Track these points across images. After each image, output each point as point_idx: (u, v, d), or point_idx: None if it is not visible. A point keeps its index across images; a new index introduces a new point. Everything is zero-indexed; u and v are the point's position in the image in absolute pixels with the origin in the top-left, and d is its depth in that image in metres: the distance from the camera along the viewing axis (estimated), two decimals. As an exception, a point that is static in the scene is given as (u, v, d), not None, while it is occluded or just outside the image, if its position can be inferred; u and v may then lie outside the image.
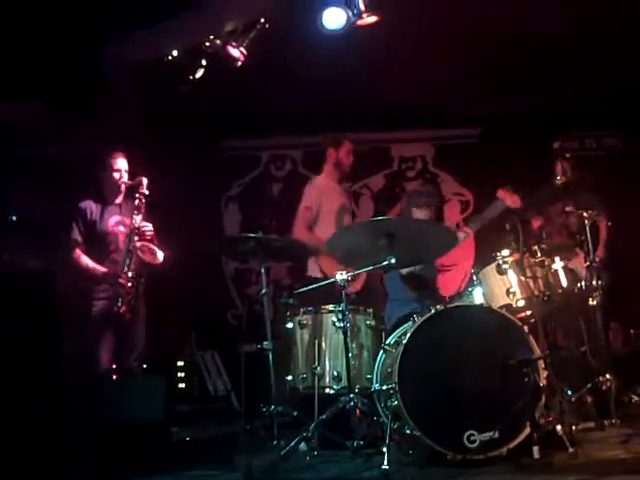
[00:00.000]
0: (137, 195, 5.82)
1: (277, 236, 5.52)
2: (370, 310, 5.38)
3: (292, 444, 4.65)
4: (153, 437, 4.85)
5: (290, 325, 5.43)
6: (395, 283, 5.78)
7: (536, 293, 5.03)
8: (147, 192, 5.82)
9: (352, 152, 6.61)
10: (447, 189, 9.23)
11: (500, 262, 5.08)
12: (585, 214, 5.57)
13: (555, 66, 7.56)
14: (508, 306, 5.00)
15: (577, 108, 8.33)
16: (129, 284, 5.61)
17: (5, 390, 3.95)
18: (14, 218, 6.98)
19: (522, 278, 5.07)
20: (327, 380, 5.17)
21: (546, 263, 5.15)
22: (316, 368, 5.15)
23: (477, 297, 5.13)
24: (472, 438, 4.24)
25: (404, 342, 4.51)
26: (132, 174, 5.93)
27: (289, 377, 5.31)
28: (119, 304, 5.57)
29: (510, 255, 5.11)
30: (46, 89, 6.87)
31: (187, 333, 8.01)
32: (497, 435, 4.23)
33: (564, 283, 5.28)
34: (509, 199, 5.57)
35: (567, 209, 5.88)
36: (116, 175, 5.87)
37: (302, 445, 4.80)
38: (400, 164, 9.40)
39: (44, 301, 4.11)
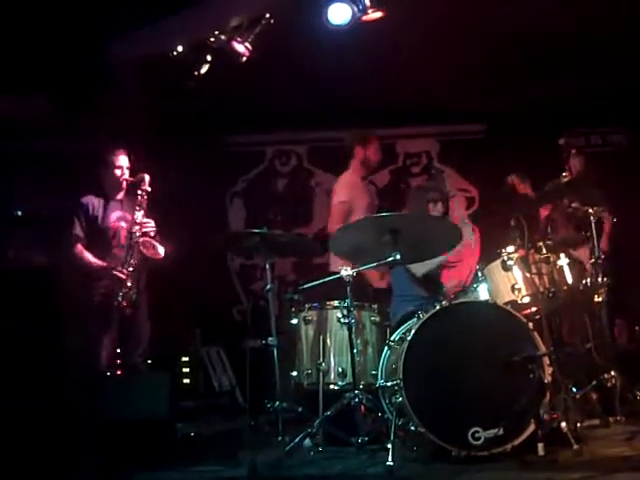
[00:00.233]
0: (139, 191, 5.85)
1: (282, 232, 5.51)
2: (375, 306, 5.38)
3: (297, 440, 4.65)
4: (158, 432, 4.86)
5: (295, 321, 5.43)
6: (400, 279, 5.77)
7: (541, 289, 5.02)
8: (149, 189, 5.85)
9: (379, 149, 6.63)
10: (452, 185, 9.20)
11: (505, 258, 5.06)
12: (591, 210, 5.56)
13: (560, 63, 7.54)
14: (513, 302, 4.99)
15: (582, 104, 8.31)
16: (130, 279, 5.63)
17: (9, 386, 3.95)
18: (20, 213, 6.98)
19: (527, 274, 5.06)
20: (332, 376, 5.18)
21: (551, 259, 5.14)
22: (321, 364, 5.15)
23: (482, 293, 5.12)
24: (477, 435, 4.23)
25: (409, 338, 4.51)
26: (134, 171, 5.96)
27: (294, 373, 5.32)
28: (120, 299, 5.60)
29: (515, 251, 5.10)
30: (50, 84, 6.86)
31: (192, 329, 8.01)
32: (502, 432, 4.23)
33: (569, 280, 5.27)
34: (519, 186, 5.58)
35: (573, 205, 5.86)
36: (117, 172, 5.91)
37: (307, 441, 4.79)
38: (405, 160, 9.39)
39: (48, 297, 4.11)
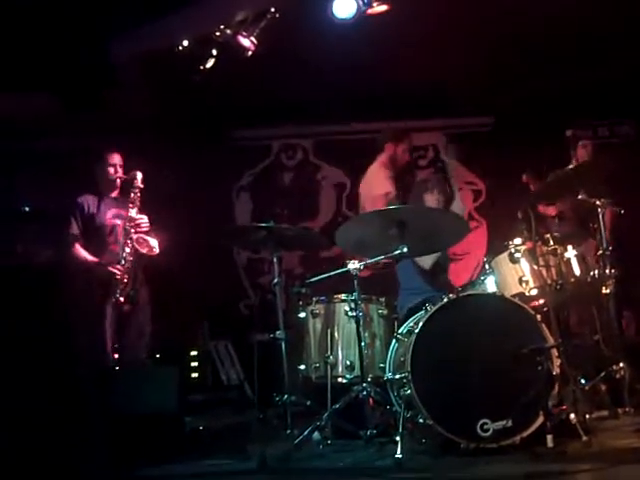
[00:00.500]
0: (132, 189, 5.94)
1: (288, 225, 5.52)
2: (382, 299, 5.39)
3: (305, 433, 4.66)
4: (166, 426, 4.88)
5: (303, 314, 5.44)
6: (407, 272, 5.76)
7: (549, 282, 5.00)
8: (141, 186, 5.95)
9: (410, 151, 6.65)
10: (459, 178, 9.19)
11: (512, 250, 5.06)
12: (598, 202, 5.55)
13: (567, 54, 7.51)
14: (521, 295, 4.98)
15: (589, 96, 8.27)
16: (125, 276, 5.70)
17: (18, 380, 3.97)
18: (27, 209, 7.02)
19: (535, 267, 5.05)
20: (340, 369, 5.19)
21: (559, 251, 5.13)
22: (329, 357, 5.16)
23: (490, 286, 5.12)
24: (485, 427, 4.23)
25: (416, 331, 4.51)
26: (128, 168, 6.06)
27: (302, 366, 5.33)
28: (117, 295, 5.65)
29: (522, 243, 5.09)
30: (54, 82, 6.87)
31: (200, 323, 8.02)
32: (510, 424, 4.23)
33: (577, 271, 5.26)
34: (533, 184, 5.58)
35: (580, 197, 5.83)
36: (111, 170, 6.01)
37: (315, 434, 4.80)
38: (411, 153, 9.36)
39: (57, 293, 4.12)
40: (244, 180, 9.35)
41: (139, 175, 5.95)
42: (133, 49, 6.78)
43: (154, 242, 5.93)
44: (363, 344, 4.86)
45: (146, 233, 5.90)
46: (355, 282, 4.86)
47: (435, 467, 4.28)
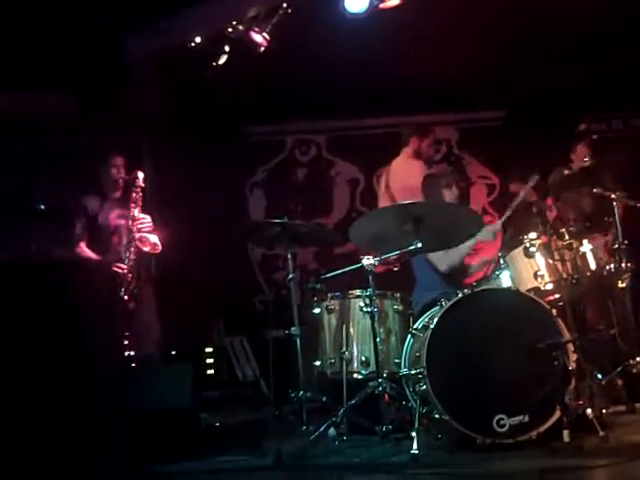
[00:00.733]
0: (133, 189, 6.03)
1: (302, 221, 5.53)
2: (397, 295, 5.38)
3: (321, 429, 4.65)
4: (182, 423, 4.89)
5: (317, 310, 5.44)
6: (423, 268, 5.75)
7: (564, 276, 4.99)
8: (143, 185, 6.05)
9: (433, 145, 6.69)
10: (473, 172, 9.17)
11: (527, 245, 5.04)
12: (614, 195, 5.53)
13: (580, 46, 7.47)
14: (536, 289, 4.96)
15: (603, 89, 8.22)
16: (129, 274, 5.82)
17: (34, 378, 3.98)
18: (42, 207, 7.06)
19: (550, 261, 5.04)
20: (355, 365, 5.19)
21: (574, 246, 5.10)
22: (344, 353, 5.16)
23: (505, 280, 5.10)
24: (502, 422, 4.22)
25: (432, 326, 4.50)
26: (129, 169, 6.16)
27: (317, 362, 5.33)
28: (122, 293, 5.77)
29: (537, 238, 5.07)
30: (70, 81, 6.90)
31: (215, 319, 8.04)
32: (527, 419, 4.22)
33: (592, 266, 5.25)
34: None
35: (595, 190, 5.80)
36: (114, 171, 6.11)
37: (331, 430, 4.79)
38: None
39: (73, 291, 4.13)
40: (258, 176, 9.34)
41: (140, 175, 6.06)
42: (147, 47, 6.79)
43: (154, 238, 6.05)
44: (378, 340, 4.85)
45: (149, 232, 6.01)
46: (370, 278, 4.85)
47: (451, 463, 4.27)
